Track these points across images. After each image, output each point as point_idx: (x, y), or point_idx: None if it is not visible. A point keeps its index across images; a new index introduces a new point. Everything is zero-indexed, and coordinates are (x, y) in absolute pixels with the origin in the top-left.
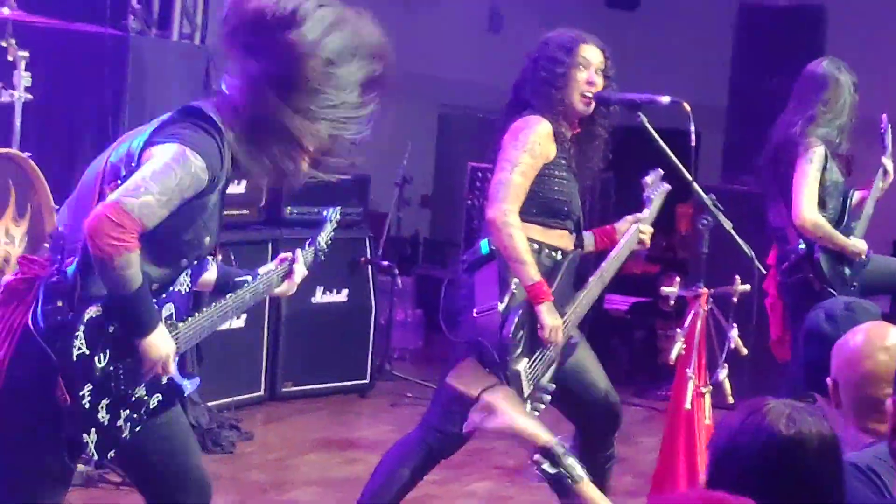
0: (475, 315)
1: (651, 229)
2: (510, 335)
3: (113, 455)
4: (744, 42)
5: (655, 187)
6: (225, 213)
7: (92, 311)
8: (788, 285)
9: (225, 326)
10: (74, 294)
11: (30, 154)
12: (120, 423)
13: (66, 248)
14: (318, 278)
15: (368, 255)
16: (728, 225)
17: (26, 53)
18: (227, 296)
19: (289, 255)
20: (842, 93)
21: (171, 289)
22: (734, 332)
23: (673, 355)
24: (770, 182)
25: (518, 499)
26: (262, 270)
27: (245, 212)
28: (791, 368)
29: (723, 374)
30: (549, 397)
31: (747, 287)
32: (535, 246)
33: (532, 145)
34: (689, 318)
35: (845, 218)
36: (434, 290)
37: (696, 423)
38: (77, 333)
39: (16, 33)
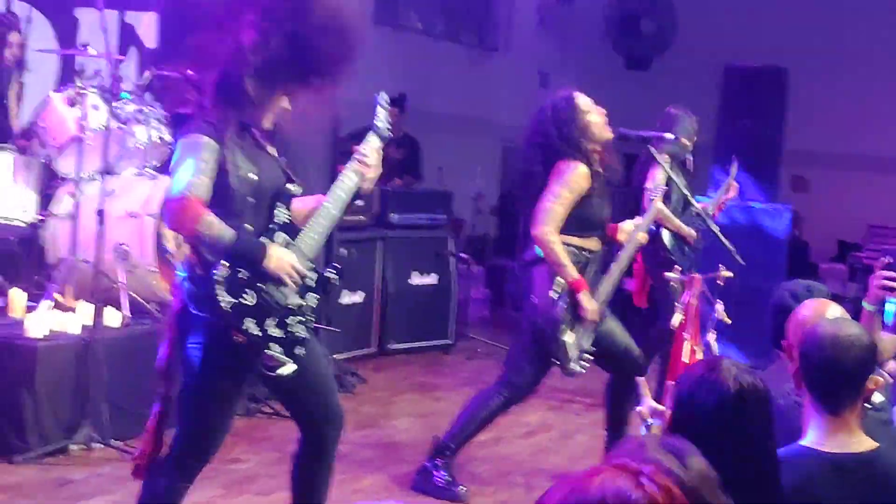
0: (534, 300)
1: (646, 235)
2: (559, 316)
3: (302, 353)
4: (727, 93)
5: (655, 190)
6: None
7: (217, 273)
8: (646, 252)
9: (346, 301)
10: (196, 268)
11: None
12: (292, 328)
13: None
14: (414, 265)
15: (451, 249)
16: (715, 228)
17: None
18: (324, 202)
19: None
20: (685, 127)
21: (270, 224)
22: (719, 307)
23: (675, 322)
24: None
25: (560, 428)
26: (343, 174)
27: (361, 217)
28: (648, 314)
29: (711, 336)
30: (590, 356)
31: (730, 273)
32: (574, 249)
33: (572, 183)
34: (687, 295)
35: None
36: (499, 276)
37: None
38: (217, 292)
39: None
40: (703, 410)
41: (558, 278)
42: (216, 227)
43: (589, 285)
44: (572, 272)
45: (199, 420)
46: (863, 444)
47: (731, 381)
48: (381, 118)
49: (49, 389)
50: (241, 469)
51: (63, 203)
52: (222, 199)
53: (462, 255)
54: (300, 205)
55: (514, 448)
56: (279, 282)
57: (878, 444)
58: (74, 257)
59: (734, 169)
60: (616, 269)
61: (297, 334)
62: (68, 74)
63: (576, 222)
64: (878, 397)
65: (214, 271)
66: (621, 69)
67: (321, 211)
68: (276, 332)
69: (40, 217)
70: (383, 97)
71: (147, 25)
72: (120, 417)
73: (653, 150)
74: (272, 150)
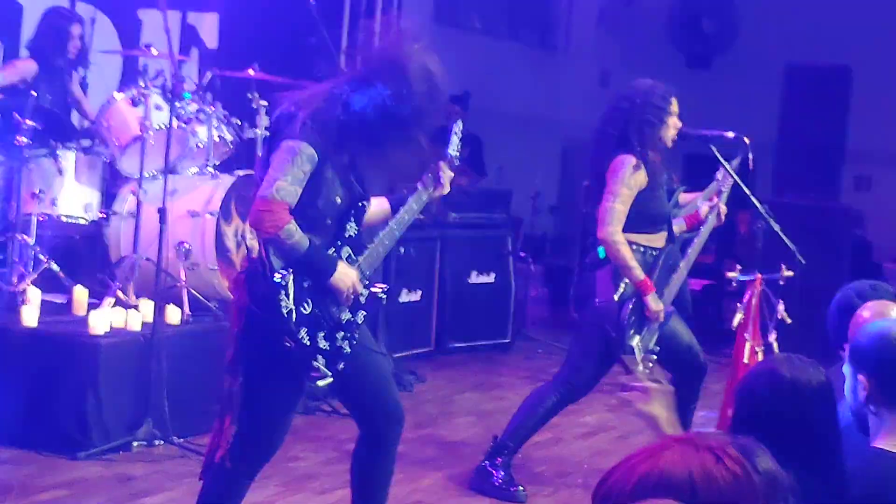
0: (597, 303)
1: (726, 209)
2: (626, 320)
3: (342, 368)
4: (789, 92)
5: (724, 181)
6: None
7: (286, 276)
8: None
9: (404, 299)
10: (264, 271)
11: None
12: (339, 343)
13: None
14: (472, 264)
15: (510, 248)
16: (777, 227)
17: (265, 102)
18: (389, 223)
19: (430, 175)
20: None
21: (338, 240)
22: (781, 307)
23: (735, 323)
24: None
25: (620, 429)
26: (412, 198)
27: (420, 216)
28: None
29: (772, 337)
30: (655, 357)
31: (791, 273)
32: (641, 248)
33: (628, 179)
34: (747, 295)
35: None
36: (557, 275)
37: None
38: (280, 297)
39: (257, 88)
40: (761, 402)
41: (626, 280)
42: (296, 236)
43: (657, 284)
44: (639, 273)
45: (257, 418)
46: None
47: (785, 370)
48: (454, 145)
49: (111, 386)
50: (300, 467)
51: (126, 202)
52: (305, 211)
53: (521, 253)
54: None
55: (573, 449)
56: (338, 297)
57: None
58: (136, 255)
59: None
60: (684, 265)
61: (342, 349)
62: (131, 75)
63: (639, 219)
64: None
65: (281, 275)
66: (682, 68)
67: (387, 231)
68: (323, 344)
69: (103, 215)
70: (458, 125)
71: (209, 26)
72: (181, 414)
73: (714, 149)
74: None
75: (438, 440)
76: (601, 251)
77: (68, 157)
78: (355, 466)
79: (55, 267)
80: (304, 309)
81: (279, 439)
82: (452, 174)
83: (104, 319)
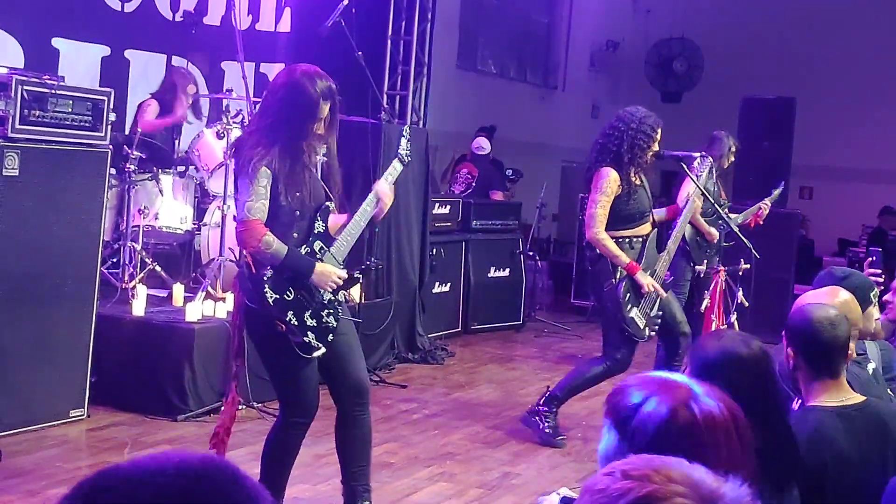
0: (605, 289)
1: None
2: (622, 297)
3: (331, 339)
4: (744, 119)
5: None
6: (436, 224)
7: (267, 273)
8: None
9: (437, 291)
10: (251, 270)
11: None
12: (325, 319)
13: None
14: (491, 262)
15: (521, 249)
16: (735, 228)
17: None
18: (354, 215)
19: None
20: (724, 144)
21: (310, 235)
22: (740, 293)
23: (703, 307)
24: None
25: None
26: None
27: (448, 224)
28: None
29: (733, 317)
30: (659, 321)
31: (748, 266)
32: (627, 240)
33: (606, 188)
34: (713, 284)
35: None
36: (559, 270)
37: None
38: (265, 290)
39: None
40: (713, 371)
41: (620, 268)
42: (275, 245)
43: (646, 262)
44: (624, 259)
45: (284, 388)
46: (855, 397)
47: (731, 344)
48: (404, 146)
49: (203, 362)
50: None
51: (213, 215)
52: (276, 213)
53: (530, 252)
54: (334, 220)
55: (574, 408)
56: (320, 289)
57: (866, 397)
58: (222, 258)
59: (777, 192)
60: (672, 244)
61: (329, 325)
62: (217, 113)
63: (621, 218)
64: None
65: (264, 273)
66: (658, 102)
67: (352, 224)
68: (311, 322)
69: (195, 226)
70: (406, 130)
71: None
72: (258, 383)
73: (685, 166)
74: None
75: (465, 402)
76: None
77: (167, 180)
78: (336, 436)
79: (157, 268)
80: (288, 296)
81: (311, 399)
82: (402, 168)
83: (197, 309)
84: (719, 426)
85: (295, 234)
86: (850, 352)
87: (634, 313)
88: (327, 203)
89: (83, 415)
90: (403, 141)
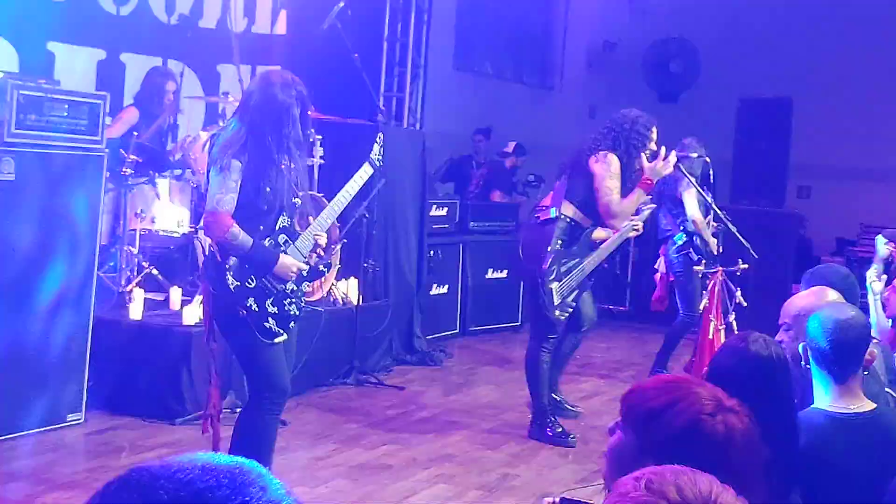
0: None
1: (641, 225)
2: (546, 268)
3: (293, 327)
4: (742, 119)
5: (645, 203)
6: (434, 226)
7: (230, 261)
8: (677, 260)
9: (435, 292)
10: (215, 261)
11: (322, 194)
12: (287, 307)
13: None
14: (489, 263)
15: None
16: (733, 228)
17: (320, 136)
18: (319, 216)
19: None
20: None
21: (275, 228)
22: (738, 293)
23: (701, 306)
24: (661, 200)
25: (610, 393)
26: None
27: (446, 225)
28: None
29: (731, 317)
30: (571, 309)
31: (746, 265)
32: (572, 222)
33: (616, 172)
34: (711, 284)
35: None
36: None
37: (715, 348)
38: (226, 278)
39: (313, 125)
40: (735, 375)
41: (557, 239)
42: (240, 236)
43: (578, 252)
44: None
45: (251, 369)
46: (865, 405)
47: (757, 348)
48: (375, 151)
49: (200, 365)
50: (352, 428)
51: None
52: (244, 206)
53: None
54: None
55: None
56: (283, 279)
57: (876, 405)
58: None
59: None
60: (603, 251)
61: (290, 312)
62: (212, 116)
63: (594, 209)
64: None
65: (227, 261)
66: (655, 102)
67: (318, 220)
68: (272, 308)
69: (192, 229)
70: (380, 136)
71: None
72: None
73: (681, 167)
74: (293, 165)
75: (463, 404)
76: (553, 212)
77: (163, 184)
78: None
79: (155, 271)
80: (249, 283)
81: (279, 377)
82: (372, 171)
83: (194, 313)
84: (742, 441)
85: (261, 227)
86: (868, 357)
87: (555, 286)
88: (294, 200)
89: (80, 419)
90: (376, 147)
